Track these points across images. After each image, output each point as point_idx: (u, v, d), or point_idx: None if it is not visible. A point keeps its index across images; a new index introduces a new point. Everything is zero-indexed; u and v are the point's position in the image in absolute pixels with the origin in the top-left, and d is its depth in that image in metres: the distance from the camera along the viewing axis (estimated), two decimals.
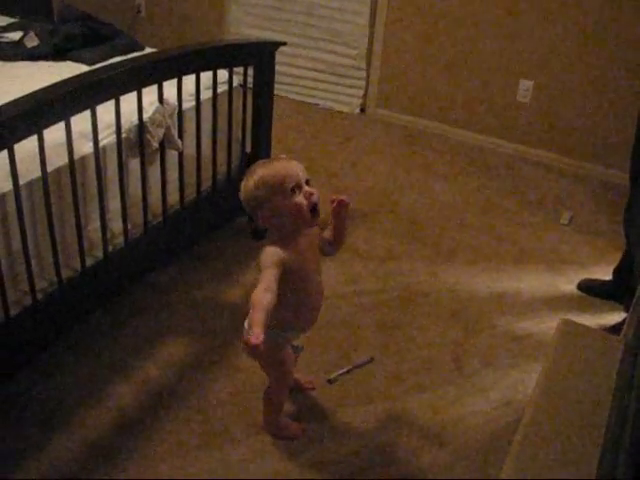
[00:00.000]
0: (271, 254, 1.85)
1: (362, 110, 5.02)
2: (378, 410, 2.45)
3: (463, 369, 2.67)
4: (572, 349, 2.01)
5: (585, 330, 2.15)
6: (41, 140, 2.06)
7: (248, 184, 1.87)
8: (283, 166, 1.86)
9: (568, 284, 3.24)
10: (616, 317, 2.98)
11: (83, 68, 2.88)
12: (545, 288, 3.21)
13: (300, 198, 1.84)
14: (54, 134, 2.14)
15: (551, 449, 1.67)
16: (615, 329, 2.77)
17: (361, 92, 4.97)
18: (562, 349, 2.00)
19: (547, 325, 2.92)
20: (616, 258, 3.11)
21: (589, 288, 3.18)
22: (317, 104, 5.07)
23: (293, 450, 2.27)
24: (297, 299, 1.98)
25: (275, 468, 2.20)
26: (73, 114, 2.16)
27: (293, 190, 1.83)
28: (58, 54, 3.14)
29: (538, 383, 1.90)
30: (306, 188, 1.86)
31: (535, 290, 3.19)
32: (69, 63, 3.09)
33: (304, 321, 2.08)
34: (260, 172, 1.86)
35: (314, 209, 1.87)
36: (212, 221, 3.07)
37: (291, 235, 1.89)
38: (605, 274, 3.19)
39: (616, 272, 3.10)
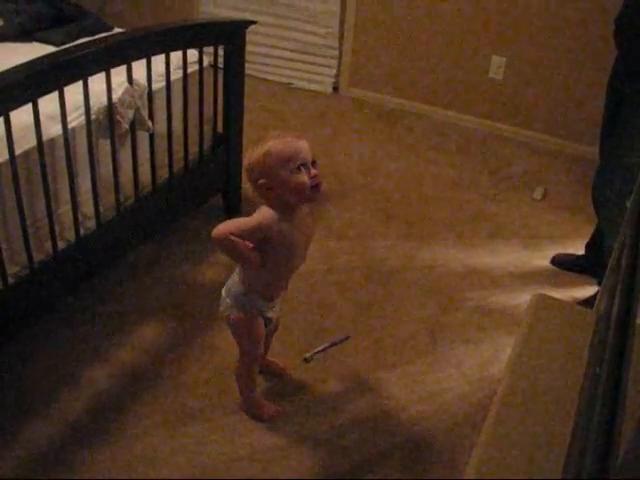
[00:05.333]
0: (265, 216, 1.92)
1: (335, 89, 5.00)
2: (355, 386, 2.46)
3: (438, 344, 2.69)
4: (545, 322, 2.03)
5: (558, 304, 2.16)
6: (8, 122, 2.03)
7: (257, 151, 1.91)
8: (294, 142, 1.90)
9: (541, 259, 3.26)
10: (589, 291, 3.01)
11: (50, 49, 2.83)
12: (519, 263, 3.23)
13: (304, 177, 1.88)
14: (21, 116, 2.10)
15: (524, 425, 1.68)
16: (588, 302, 2.80)
17: (333, 71, 4.94)
18: (535, 323, 2.02)
19: (521, 300, 2.94)
20: (588, 232, 3.14)
21: (562, 263, 3.21)
22: (289, 84, 5.04)
23: (271, 427, 2.28)
24: (277, 269, 2.04)
25: (253, 445, 2.21)
26: (40, 95, 2.12)
27: (299, 168, 1.88)
28: (24, 35, 3.08)
29: (511, 357, 1.91)
30: (312, 169, 1.91)
31: (509, 265, 3.21)
32: (35, 44, 3.04)
33: (274, 290, 2.12)
34: (271, 143, 1.89)
35: (314, 189, 1.91)
36: (185, 202, 3.05)
37: (287, 208, 1.94)
38: (578, 249, 3.22)
39: (588, 246, 3.13)
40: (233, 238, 1.89)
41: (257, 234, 1.93)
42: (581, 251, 3.18)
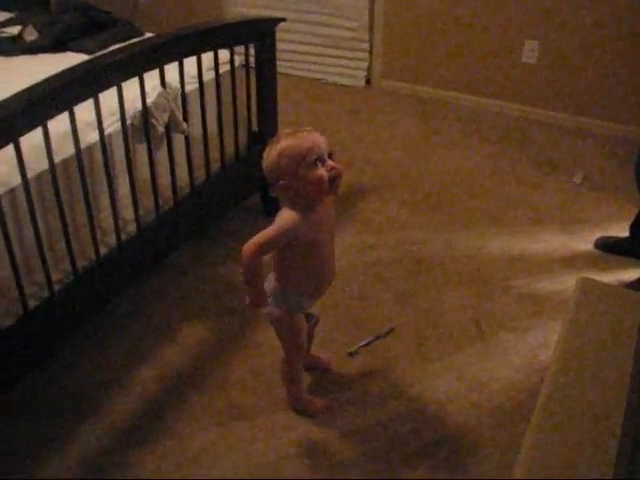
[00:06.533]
0: (288, 220, 1.89)
1: (368, 82, 4.99)
2: (401, 379, 2.45)
3: (483, 334, 2.67)
4: (591, 307, 2.00)
5: (604, 287, 2.13)
6: (46, 131, 2.06)
7: (271, 153, 1.88)
8: (307, 138, 1.88)
9: (585, 243, 3.21)
10: (635, 273, 2.96)
11: (84, 57, 2.86)
12: (561, 248, 3.19)
13: (322, 171, 1.86)
14: (59, 125, 2.12)
15: (574, 413, 1.66)
16: (634, 285, 2.75)
17: (365, 64, 4.93)
18: (581, 307, 1.99)
19: (566, 285, 2.90)
20: (632, 214, 3.09)
21: (606, 246, 3.16)
22: (321, 79, 5.04)
23: (318, 422, 2.28)
24: (309, 266, 2.02)
25: (301, 441, 2.22)
26: (76, 103, 2.14)
27: (315, 162, 1.85)
28: (58, 45, 3.12)
29: (558, 344, 1.88)
30: (328, 162, 1.89)
31: (552, 251, 3.17)
32: (69, 54, 3.07)
33: (315, 288, 2.10)
34: (284, 142, 1.87)
35: (334, 181, 1.89)
36: (224, 201, 3.06)
37: (309, 204, 1.92)
38: (622, 231, 3.17)
39: (633, 228, 3.08)
40: (258, 269, 1.91)
41: (284, 240, 1.91)
42: (625, 233, 3.13)
